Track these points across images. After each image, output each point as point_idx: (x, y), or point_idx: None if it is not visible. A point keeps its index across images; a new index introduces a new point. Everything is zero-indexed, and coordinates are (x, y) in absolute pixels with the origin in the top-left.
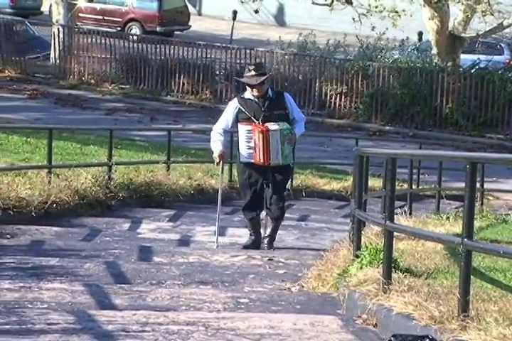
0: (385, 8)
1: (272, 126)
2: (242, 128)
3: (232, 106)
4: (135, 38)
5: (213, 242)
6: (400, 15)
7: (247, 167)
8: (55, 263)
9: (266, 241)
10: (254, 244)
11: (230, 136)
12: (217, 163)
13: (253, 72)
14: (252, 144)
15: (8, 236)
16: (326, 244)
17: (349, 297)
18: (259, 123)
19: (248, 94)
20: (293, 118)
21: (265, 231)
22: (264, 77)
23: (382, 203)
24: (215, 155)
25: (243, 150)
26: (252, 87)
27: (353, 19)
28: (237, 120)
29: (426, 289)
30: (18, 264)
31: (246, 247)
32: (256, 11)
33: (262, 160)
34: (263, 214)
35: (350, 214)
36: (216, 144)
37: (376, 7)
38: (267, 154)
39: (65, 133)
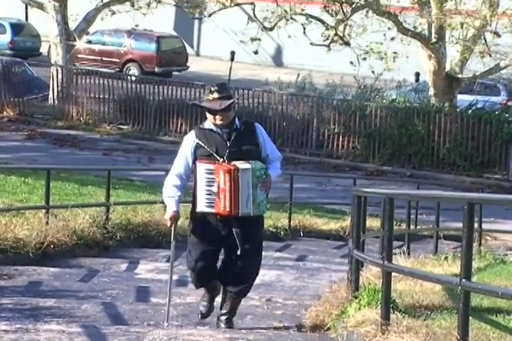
0: (382, 52)
1: (242, 164)
2: (202, 168)
3: (188, 142)
4: (133, 78)
5: None
6: (396, 58)
7: (204, 219)
8: (52, 304)
9: (223, 319)
10: (212, 310)
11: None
12: (170, 226)
13: (216, 95)
14: (214, 189)
15: (6, 277)
16: (324, 284)
17: (347, 338)
18: (223, 161)
19: (209, 123)
20: (266, 156)
21: (221, 306)
22: (230, 101)
23: (380, 243)
24: (167, 216)
25: (202, 196)
26: (214, 113)
27: (351, 63)
28: (195, 158)
29: (424, 330)
30: (15, 305)
31: (204, 316)
32: (255, 52)
33: (227, 209)
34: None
35: (348, 255)
36: (169, 201)
37: (376, 51)
38: (235, 201)
39: (62, 174)
